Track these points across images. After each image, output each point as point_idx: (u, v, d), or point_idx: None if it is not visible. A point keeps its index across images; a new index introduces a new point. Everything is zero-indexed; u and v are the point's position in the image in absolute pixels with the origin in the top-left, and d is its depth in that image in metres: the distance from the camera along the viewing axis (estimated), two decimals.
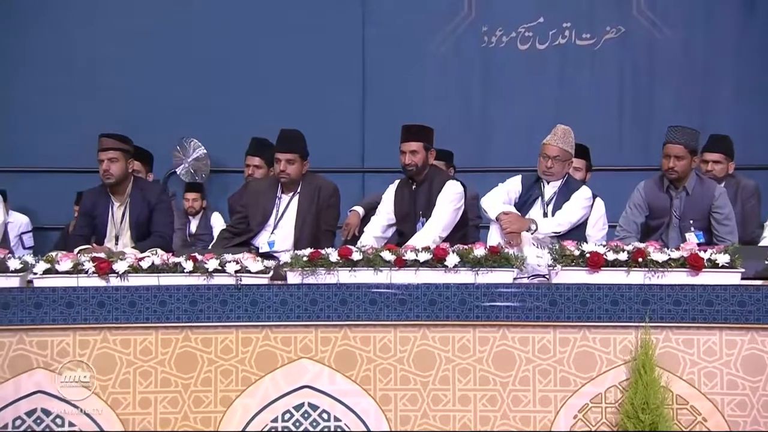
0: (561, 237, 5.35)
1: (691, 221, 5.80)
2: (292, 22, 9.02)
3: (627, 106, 8.98)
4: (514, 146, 8.43)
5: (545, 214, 5.65)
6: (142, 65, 9.06)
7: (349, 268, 4.68)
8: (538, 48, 9.02)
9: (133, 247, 5.59)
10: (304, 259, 4.66)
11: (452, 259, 4.63)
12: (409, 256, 4.66)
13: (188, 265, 4.65)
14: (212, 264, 4.63)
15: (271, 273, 4.75)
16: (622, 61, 9.01)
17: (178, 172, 8.98)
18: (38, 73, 9.06)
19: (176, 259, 4.71)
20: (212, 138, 8.87)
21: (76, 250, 5.37)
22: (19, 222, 8.69)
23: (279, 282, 4.75)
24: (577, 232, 5.60)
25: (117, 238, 5.87)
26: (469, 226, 6.11)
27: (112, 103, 8.89)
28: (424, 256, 4.66)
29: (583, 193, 5.69)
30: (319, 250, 4.72)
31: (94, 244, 5.77)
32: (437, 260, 4.65)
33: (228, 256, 4.69)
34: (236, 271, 4.63)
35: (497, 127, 8.92)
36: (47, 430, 4.64)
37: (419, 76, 8.99)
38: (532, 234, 5.45)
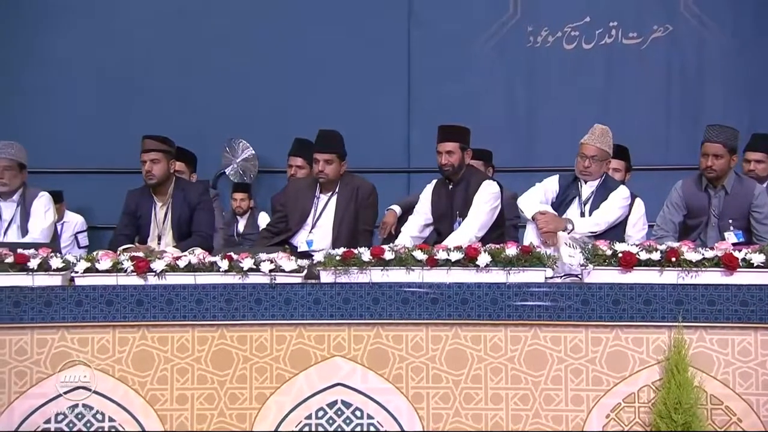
0: (598, 237, 5.35)
1: (730, 220, 5.77)
2: (338, 23, 9.09)
3: (674, 105, 8.89)
4: (560, 146, 8.35)
5: (582, 214, 5.65)
6: (191, 67, 9.21)
7: (382, 268, 4.72)
8: (584, 47, 8.98)
9: (174, 247, 5.70)
10: (337, 258, 4.72)
11: (484, 258, 4.66)
12: (441, 255, 4.69)
13: (224, 264, 4.73)
14: (247, 263, 4.71)
15: (305, 272, 4.81)
16: (669, 60, 8.93)
17: (227, 173, 9.11)
18: (91, 77, 9.24)
19: (212, 259, 4.80)
20: (260, 139, 8.98)
21: (119, 249, 5.50)
22: (74, 222, 8.89)
23: (312, 281, 4.81)
24: (616, 231, 5.58)
25: (159, 238, 5.99)
26: (506, 226, 6.11)
27: (163, 105, 9.05)
28: (455, 256, 4.68)
29: (621, 192, 5.68)
30: (352, 249, 4.77)
31: (137, 244, 5.88)
32: (469, 260, 4.68)
33: (262, 255, 4.77)
34: (270, 270, 4.70)
35: (543, 127, 8.89)
36: (88, 425, 4.75)
37: (464, 76, 8.98)
38: (568, 234, 5.44)
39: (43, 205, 6.34)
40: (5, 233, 6.23)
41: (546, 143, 8.80)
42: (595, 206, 5.65)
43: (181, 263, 4.76)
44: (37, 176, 8.03)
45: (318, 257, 4.79)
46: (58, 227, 8.67)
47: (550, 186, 5.79)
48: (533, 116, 8.98)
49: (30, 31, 9.31)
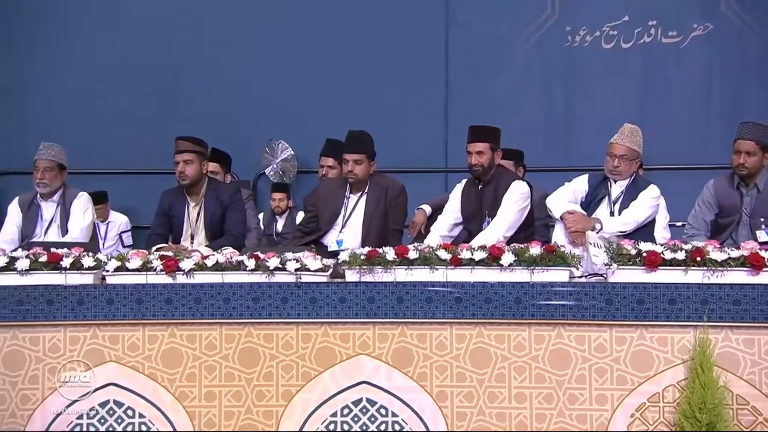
0: (628, 236, 5.31)
1: (762, 219, 5.71)
2: (376, 24, 9.15)
3: (714, 104, 8.83)
4: (598, 146, 8.24)
5: (612, 213, 5.63)
6: (233, 68, 9.34)
7: (406, 267, 4.76)
8: (622, 47, 8.94)
9: (206, 246, 5.78)
10: (362, 257, 4.77)
11: (508, 257, 4.68)
12: (465, 254, 4.72)
13: (250, 264, 4.79)
14: (273, 262, 4.77)
15: (330, 271, 4.86)
16: (709, 59, 8.86)
17: (267, 173, 9.22)
18: (134, 78, 9.39)
19: (239, 258, 4.86)
20: (299, 139, 9.05)
21: (153, 248, 5.60)
22: (119, 221, 9.07)
23: (337, 280, 4.87)
24: (645, 231, 5.55)
25: (192, 237, 6.09)
26: (536, 225, 6.11)
27: (206, 106, 9.22)
28: (479, 255, 4.71)
29: (651, 192, 5.65)
30: (377, 248, 4.82)
31: (171, 243, 5.98)
32: (493, 259, 4.71)
33: (288, 255, 4.82)
34: (296, 269, 4.75)
35: (580, 127, 8.86)
36: (119, 420, 4.85)
37: (502, 76, 9.02)
38: (597, 233, 5.43)
39: (82, 205, 6.48)
40: (46, 232, 6.39)
41: (584, 143, 8.75)
42: (624, 205, 5.63)
43: (209, 262, 4.84)
44: (83, 177, 8.26)
45: (343, 256, 4.84)
46: (103, 227, 8.88)
47: (579, 185, 5.78)
48: (571, 116, 8.97)
49: (70, 33, 9.50)
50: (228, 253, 4.94)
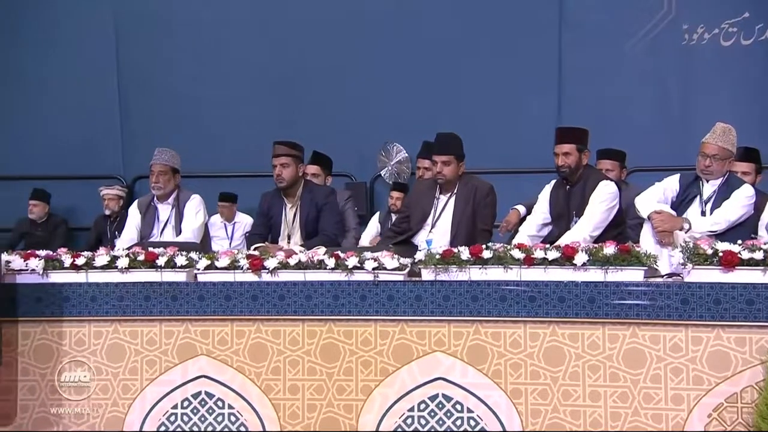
0: (721, 236, 5.24)
1: None
2: (490, 26, 9.23)
3: None
4: None
5: (703, 213, 5.55)
6: (352, 72, 9.60)
7: (480, 266, 4.85)
8: (742, 44, 8.76)
9: (301, 245, 5.99)
10: (437, 256, 4.88)
11: (581, 257, 4.71)
12: (538, 254, 4.78)
13: (331, 263, 4.97)
14: (352, 261, 4.93)
15: (407, 270, 4.98)
16: None
17: (382, 175, 9.41)
18: (264, 86, 9.75)
19: (320, 257, 5.04)
20: (413, 141, 9.14)
21: (252, 248, 5.84)
22: (244, 222, 9.51)
23: (414, 278, 4.99)
24: (742, 231, 5.42)
25: (289, 237, 6.32)
26: (632, 224, 6.10)
27: (325, 110, 9.50)
28: (553, 255, 4.76)
29: (745, 191, 5.54)
30: (452, 248, 4.92)
31: (269, 243, 6.21)
32: (566, 258, 4.75)
33: (367, 254, 4.98)
34: (374, 268, 4.90)
35: (698, 126, 8.60)
36: (210, 411, 5.09)
37: (616, 76, 8.96)
38: (686, 233, 5.37)
39: (194, 207, 6.76)
40: (162, 233, 6.70)
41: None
42: (716, 205, 5.54)
43: (292, 261, 5.04)
44: (212, 180, 8.62)
45: (419, 256, 4.96)
46: (230, 227, 9.27)
47: (669, 185, 5.71)
48: (688, 115, 8.81)
49: (202, 41, 9.94)
50: (310, 253, 5.11)
